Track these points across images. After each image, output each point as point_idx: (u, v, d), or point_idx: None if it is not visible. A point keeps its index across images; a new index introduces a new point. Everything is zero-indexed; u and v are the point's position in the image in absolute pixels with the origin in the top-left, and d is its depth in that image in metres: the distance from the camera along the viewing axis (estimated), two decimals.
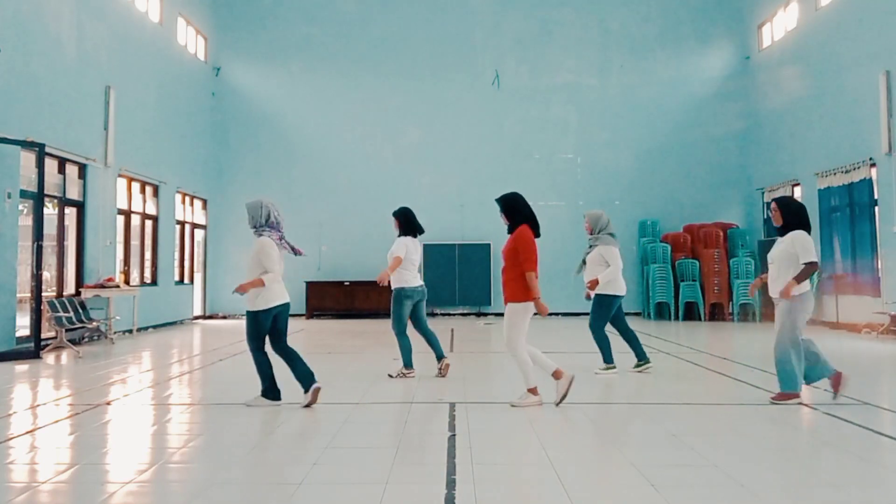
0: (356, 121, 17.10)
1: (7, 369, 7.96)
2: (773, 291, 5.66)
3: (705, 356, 9.22)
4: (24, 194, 9.42)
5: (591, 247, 7.38)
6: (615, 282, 7.23)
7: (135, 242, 13.28)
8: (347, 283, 16.30)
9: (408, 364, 7.17)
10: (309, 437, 4.79)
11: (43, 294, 9.15)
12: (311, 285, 16.21)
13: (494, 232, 16.05)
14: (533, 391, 5.63)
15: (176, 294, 14.69)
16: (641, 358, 7.48)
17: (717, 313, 15.35)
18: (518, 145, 17.05)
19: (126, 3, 12.73)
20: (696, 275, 15.33)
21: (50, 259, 11.89)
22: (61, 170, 10.75)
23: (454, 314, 16.74)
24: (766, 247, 15.30)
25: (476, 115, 17.09)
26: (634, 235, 16.69)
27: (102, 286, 11.16)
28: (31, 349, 8.84)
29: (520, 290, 5.53)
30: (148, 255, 13.78)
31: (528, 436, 4.79)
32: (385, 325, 14.51)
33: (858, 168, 12.27)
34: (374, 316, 16.16)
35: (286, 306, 5.87)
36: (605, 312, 7.30)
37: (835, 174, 12.95)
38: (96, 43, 11.63)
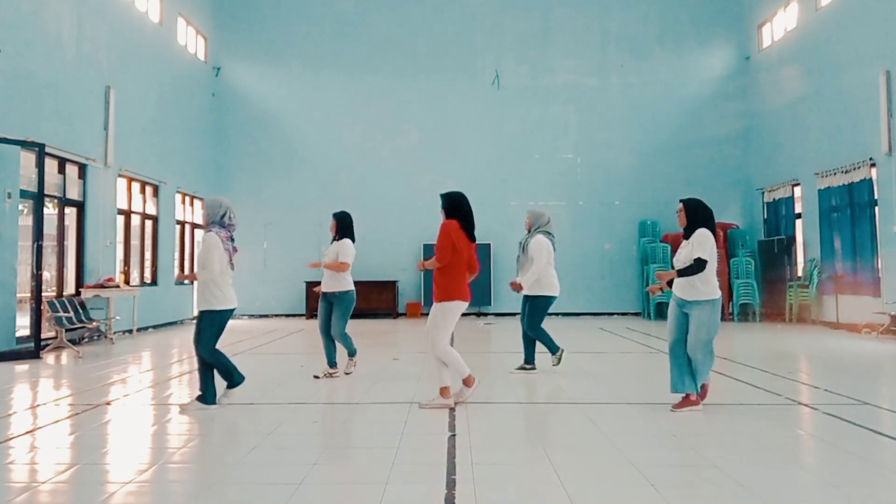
0: (356, 121, 17.10)
1: (7, 369, 7.97)
2: (680, 292, 5.44)
3: None
4: (24, 194, 9.42)
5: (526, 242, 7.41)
6: (546, 282, 7.25)
7: (135, 242, 13.28)
8: None
9: (352, 353, 7.32)
10: (308, 437, 4.79)
11: (43, 294, 9.15)
12: (311, 285, 16.19)
13: (495, 232, 16.06)
14: (445, 392, 5.63)
15: (176, 294, 14.69)
16: (529, 362, 7.52)
17: None
18: (518, 145, 17.05)
19: (126, 3, 12.73)
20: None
21: (50, 259, 11.90)
22: (61, 170, 10.75)
23: None
24: (765, 247, 15.35)
25: (476, 115, 17.09)
26: (634, 235, 16.69)
27: (102, 286, 11.16)
28: (31, 349, 8.84)
29: (448, 288, 5.50)
30: (148, 255, 13.78)
31: (528, 436, 4.79)
32: (385, 325, 14.55)
33: (858, 168, 12.27)
34: (374, 316, 16.16)
35: (234, 311, 5.85)
36: (541, 313, 7.36)
37: (835, 174, 12.95)
38: (96, 43, 11.63)
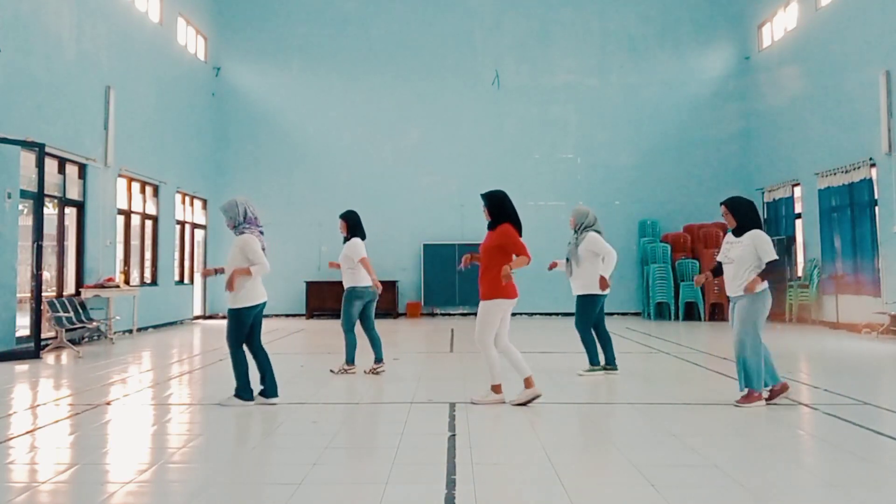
0: (356, 121, 17.10)
1: (7, 369, 7.96)
2: (732, 290, 5.62)
3: (705, 356, 9.22)
4: (24, 194, 9.42)
5: (576, 242, 7.43)
6: (597, 281, 7.23)
7: (135, 242, 13.28)
8: None
9: (350, 360, 7.36)
10: (309, 437, 4.79)
11: (43, 294, 9.14)
12: (311, 285, 16.19)
13: None
14: (496, 389, 5.69)
15: (176, 294, 14.69)
16: (595, 363, 7.40)
17: (717, 313, 15.34)
18: (518, 145, 17.05)
19: (126, 3, 12.73)
20: (697, 275, 15.30)
21: (50, 259, 11.88)
22: (61, 170, 10.75)
23: (454, 314, 16.74)
24: None
25: (476, 115, 17.09)
26: (634, 235, 16.69)
27: (102, 286, 11.16)
28: (31, 349, 8.84)
29: (495, 287, 5.56)
30: (148, 255, 13.78)
31: (528, 436, 4.79)
32: (385, 325, 14.53)
33: (858, 168, 12.27)
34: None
35: (265, 305, 5.90)
36: (591, 311, 7.34)
37: (835, 174, 12.95)
38: (96, 43, 11.63)
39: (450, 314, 16.76)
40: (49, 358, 8.99)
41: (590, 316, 7.35)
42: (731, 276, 5.61)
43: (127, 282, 12.46)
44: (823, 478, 3.87)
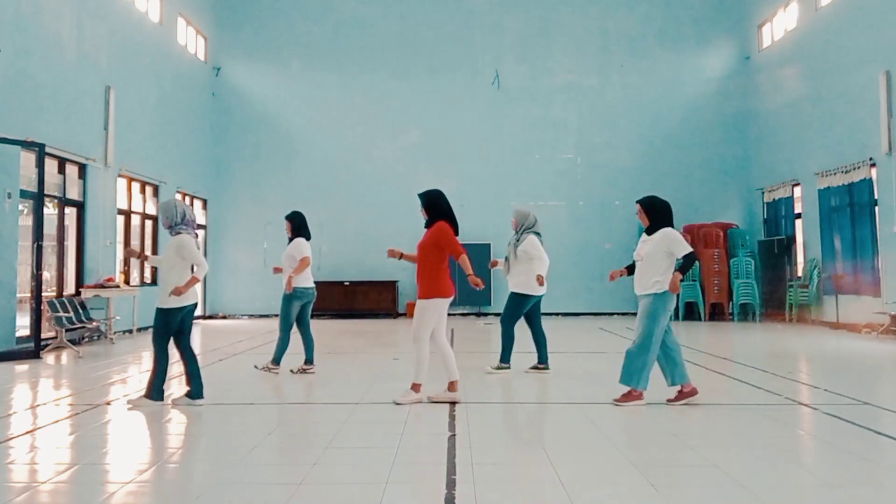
0: (356, 121, 17.10)
1: (7, 369, 7.96)
2: (638, 288, 5.68)
3: (705, 356, 9.22)
4: (24, 194, 9.41)
5: (516, 242, 7.47)
6: (530, 281, 7.28)
7: (135, 242, 13.28)
8: (347, 283, 16.30)
9: (277, 361, 7.38)
10: (309, 437, 4.79)
11: (43, 294, 9.15)
12: None
13: (495, 232, 16.05)
14: (416, 388, 5.73)
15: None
16: (506, 361, 7.49)
17: (717, 313, 15.35)
18: (518, 145, 17.05)
19: (126, 3, 12.73)
20: (696, 275, 15.32)
21: (50, 259, 11.89)
22: (61, 170, 10.75)
23: (454, 314, 16.73)
24: (766, 247, 15.35)
25: (476, 115, 17.09)
26: (634, 235, 16.66)
27: (102, 286, 11.16)
28: (31, 349, 8.84)
29: (434, 286, 5.64)
30: (148, 254, 13.75)
31: (528, 436, 4.79)
32: (385, 325, 14.54)
33: (858, 168, 12.27)
34: (374, 316, 16.17)
35: (195, 306, 5.94)
36: (519, 309, 7.40)
37: (835, 174, 12.95)
38: (96, 43, 11.63)
39: (450, 314, 16.67)
40: (49, 358, 8.99)
41: (516, 313, 7.44)
42: (639, 275, 5.69)
43: (127, 282, 12.46)
44: (823, 478, 3.87)
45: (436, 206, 5.91)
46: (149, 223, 13.76)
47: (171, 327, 5.76)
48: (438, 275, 5.71)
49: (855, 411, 5.43)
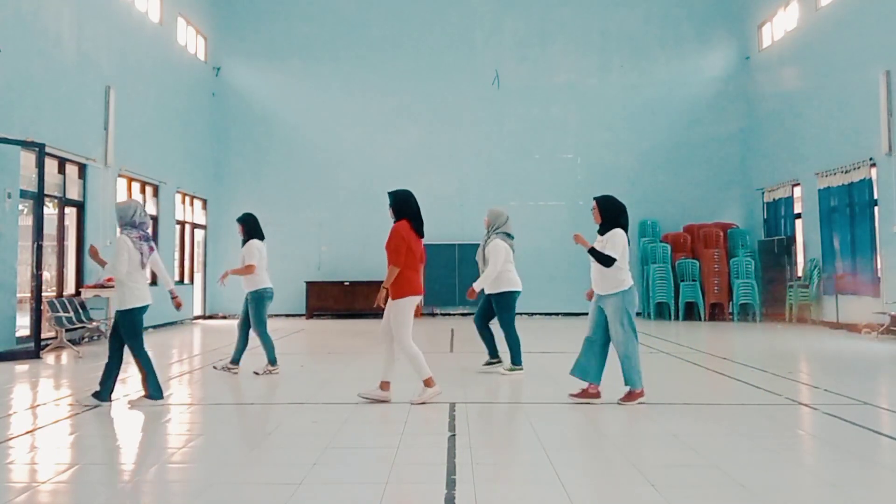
0: (356, 121, 17.09)
1: (7, 369, 7.96)
2: (601, 289, 5.70)
3: (705, 356, 9.22)
4: (24, 194, 9.42)
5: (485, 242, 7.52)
6: (505, 278, 7.28)
7: None
8: (347, 283, 16.30)
9: (273, 361, 7.46)
10: (309, 437, 4.79)
11: (43, 294, 9.14)
12: (311, 285, 16.19)
13: None
14: (429, 382, 5.71)
15: None
16: (493, 356, 7.59)
17: (717, 313, 15.35)
18: (518, 145, 17.05)
19: (126, 3, 12.72)
20: (696, 275, 15.33)
21: (50, 259, 11.88)
22: (61, 170, 10.74)
23: (454, 314, 16.73)
24: (765, 247, 15.35)
25: (476, 115, 17.09)
26: (634, 235, 16.68)
27: (102, 286, 11.15)
28: (31, 349, 8.84)
29: (402, 286, 5.68)
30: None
31: (528, 436, 4.79)
32: None
33: (858, 168, 12.27)
34: (374, 316, 16.14)
35: (147, 308, 6.00)
36: (509, 308, 7.38)
37: (835, 174, 12.95)
38: (96, 43, 11.63)
39: (450, 314, 16.75)
40: (49, 358, 8.98)
41: (509, 313, 7.41)
42: (597, 275, 5.72)
43: None
44: (823, 478, 3.87)
45: (398, 206, 5.94)
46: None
47: (140, 325, 5.84)
48: (407, 273, 5.76)
49: (855, 411, 5.43)
